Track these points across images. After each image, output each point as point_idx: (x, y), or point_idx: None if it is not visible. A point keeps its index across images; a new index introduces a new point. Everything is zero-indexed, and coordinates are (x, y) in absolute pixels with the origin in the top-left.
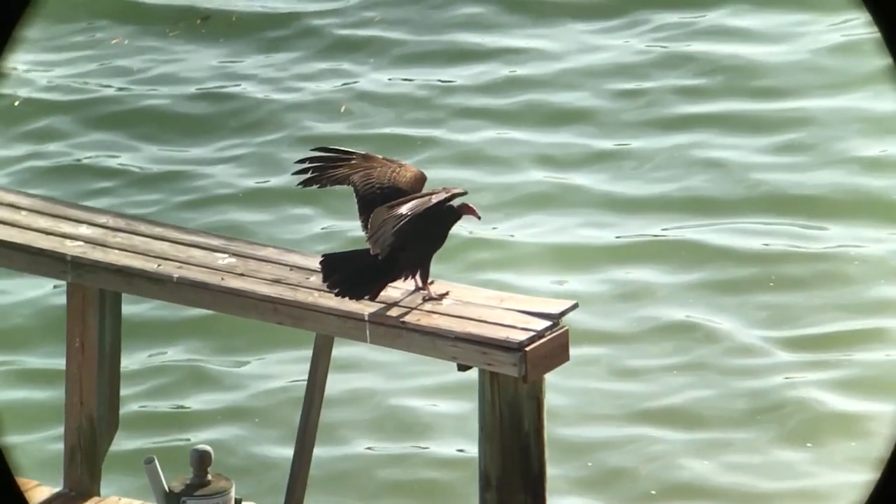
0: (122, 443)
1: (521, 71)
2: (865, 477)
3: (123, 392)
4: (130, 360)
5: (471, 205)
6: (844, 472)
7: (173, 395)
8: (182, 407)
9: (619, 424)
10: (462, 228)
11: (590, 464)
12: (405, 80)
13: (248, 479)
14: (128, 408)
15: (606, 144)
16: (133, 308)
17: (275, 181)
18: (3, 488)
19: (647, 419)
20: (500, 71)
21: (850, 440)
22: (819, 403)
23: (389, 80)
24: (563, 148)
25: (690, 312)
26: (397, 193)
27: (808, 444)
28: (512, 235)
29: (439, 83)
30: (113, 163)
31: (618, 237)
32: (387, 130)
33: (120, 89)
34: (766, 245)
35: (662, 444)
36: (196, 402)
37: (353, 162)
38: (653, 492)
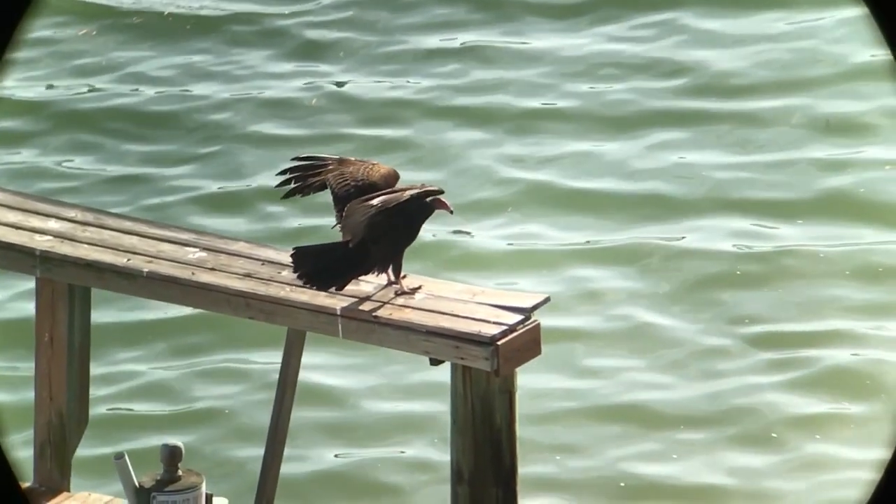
0: (93, 441)
1: (488, 72)
2: (826, 478)
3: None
4: (102, 362)
5: (443, 199)
6: (804, 473)
7: (144, 397)
8: (153, 410)
9: (579, 423)
10: (425, 230)
11: (553, 462)
12: (375, 81)
13: (219, 474)
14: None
15: (575, 146)
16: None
17: (240, 183)
18: None
19: (608, 417)
20: (468, 71)
21: (810, 441)
22: (781, 404)
23: (356, 81)
24: (529, 147)
25: (651, 312)
26: (371, 188)
27: (768, 445)
28: (472, 235)
29: (408, 83)
30: (74, 164)
31: (583, 239)
32: (351, 131)
33: (90, 90)
34: (730, 245)
35: (623, 444)
36: (164, 402)
37: (329, 167)
38: (615, 490)
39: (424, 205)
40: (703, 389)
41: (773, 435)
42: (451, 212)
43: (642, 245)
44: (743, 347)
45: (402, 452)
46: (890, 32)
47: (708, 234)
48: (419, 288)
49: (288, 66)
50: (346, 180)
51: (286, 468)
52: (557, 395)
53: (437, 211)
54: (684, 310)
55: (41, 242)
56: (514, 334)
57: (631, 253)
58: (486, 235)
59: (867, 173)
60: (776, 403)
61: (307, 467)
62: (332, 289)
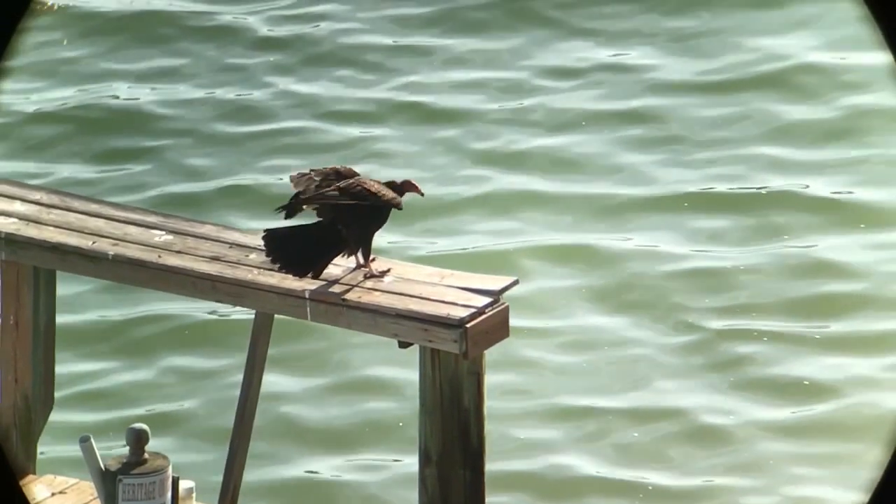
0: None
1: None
2: (767, 479)
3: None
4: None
5: (413, 181)
6: (750, 472)
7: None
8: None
9: (520, 424)
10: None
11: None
12: (322, 80)
13: (187, 457)
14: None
15: (516, 145)
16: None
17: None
18: None
19: (550, 417)
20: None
21: (759, 440)
22: (719, 407)
23: (304, 79)
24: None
25: (591, 314)
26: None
27: (707, 446)
28: (409, 242)
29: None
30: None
31: (526, 240)
32: (296, 124)
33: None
34: (664, 244)
35: (560, 443)
36: (134, 386)
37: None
38: (550, 490)
39: (395, 187)
40: (641, 387)
41: (710, 436)
42: (422, 194)
43: (583, 247)
44: (688, 348)
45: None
46: (889, 32)
47: (646, 233)
48: (388, 271)
49: (237, 62)
50: (330, 178)
51: None
52: (497, 392)
53: (407, 193)
54: (628, 309)
55: (6, 225)
56: (483, 317)
57: (572, 253)
58: (428, 241)
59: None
60: (714, 405)
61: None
62: (309, 275)
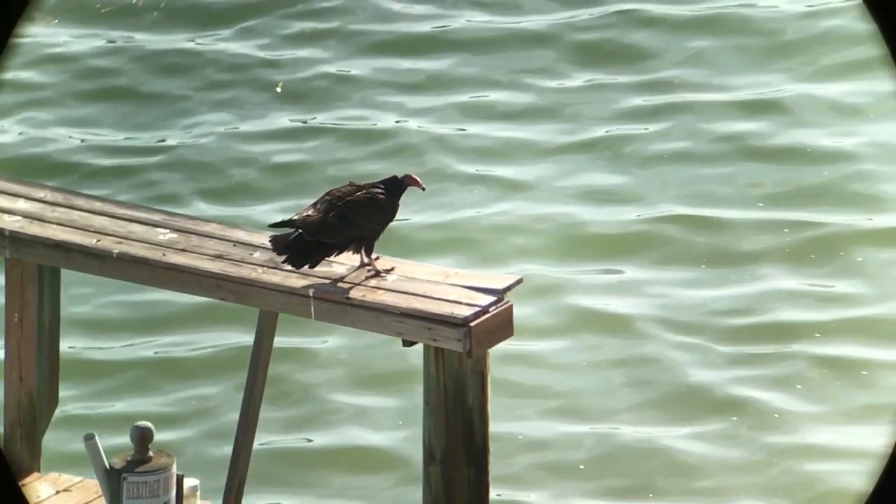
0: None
1: None
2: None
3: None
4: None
5: (414, 176)
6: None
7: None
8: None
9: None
10: None
11: None
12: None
13: (191, 457)
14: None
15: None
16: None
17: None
18: None
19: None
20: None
21: (757, 424)
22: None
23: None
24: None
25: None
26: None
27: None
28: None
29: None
30: None
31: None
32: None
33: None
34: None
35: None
36: (139, 388)
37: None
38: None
39: (397, 184)
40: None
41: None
42: (423, 188)
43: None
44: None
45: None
46: (888, 29)
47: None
48: (392, 269)
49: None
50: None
51: None
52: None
53: (409, 188)
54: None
55: (10, 223)
56: (487, 315)
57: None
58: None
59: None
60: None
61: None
62: (306, 266)
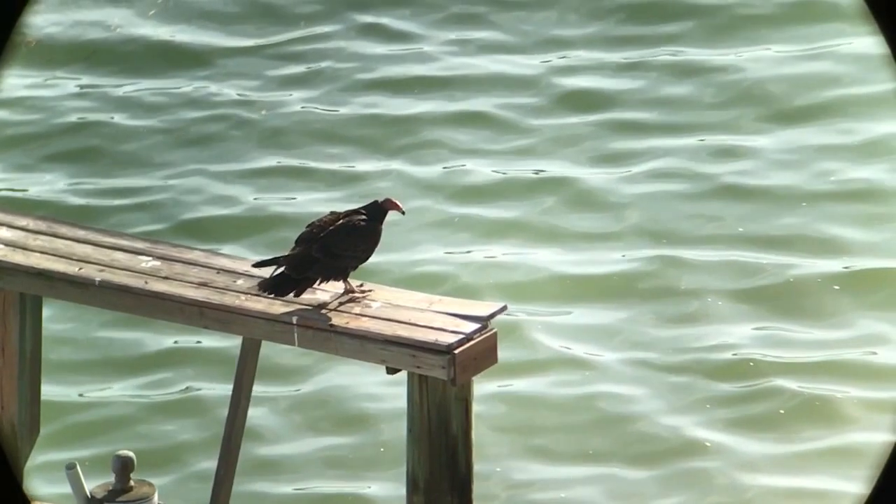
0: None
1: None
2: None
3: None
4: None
5: (394, 200)
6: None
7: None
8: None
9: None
10: None
11: None
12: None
13: (173, 484)
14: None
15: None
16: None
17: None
18: None
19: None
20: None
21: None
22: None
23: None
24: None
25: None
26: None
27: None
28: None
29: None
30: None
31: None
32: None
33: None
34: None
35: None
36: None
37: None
38: None
39: (377, 210)
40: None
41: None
42: (403, 212)
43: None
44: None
45: None
46: (888, 29)
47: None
48: (376, 296)
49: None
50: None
51: None
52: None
53: (389, 211)
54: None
55: None
56: (471, 343)
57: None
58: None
59: None
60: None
61: None
62: (291, 294)
